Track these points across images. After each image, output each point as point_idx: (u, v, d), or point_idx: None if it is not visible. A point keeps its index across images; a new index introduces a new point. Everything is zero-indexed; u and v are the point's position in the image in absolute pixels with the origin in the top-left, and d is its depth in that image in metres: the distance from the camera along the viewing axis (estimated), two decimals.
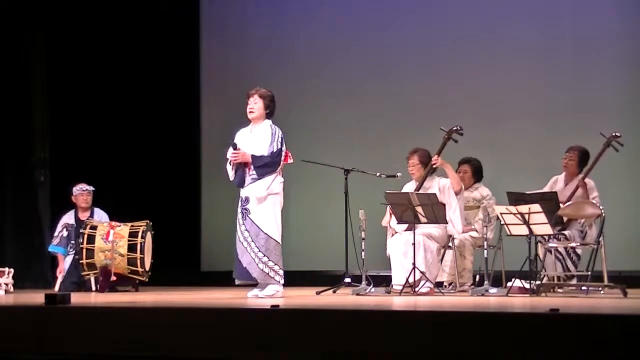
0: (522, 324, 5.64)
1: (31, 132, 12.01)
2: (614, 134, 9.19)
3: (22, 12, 11.92)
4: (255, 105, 8.72)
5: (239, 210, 8.70)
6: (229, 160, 8.72)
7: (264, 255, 8.55)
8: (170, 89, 12.31)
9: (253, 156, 8.61)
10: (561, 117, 10.66)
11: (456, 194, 9.26)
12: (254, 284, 8.69)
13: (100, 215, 10.81)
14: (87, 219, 10.57)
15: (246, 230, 8.62)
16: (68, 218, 10.79)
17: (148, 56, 12.31)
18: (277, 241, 8.60)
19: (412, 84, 11.43)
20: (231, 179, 8.78)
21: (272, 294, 8.53)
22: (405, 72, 11.46)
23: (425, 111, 11.23)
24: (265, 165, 8.60)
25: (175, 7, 12.45)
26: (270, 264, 8.56)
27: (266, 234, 8.57)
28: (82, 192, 10.74)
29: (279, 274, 8.59)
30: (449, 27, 11.31)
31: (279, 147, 8.61)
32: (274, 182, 8.64)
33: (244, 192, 8.70)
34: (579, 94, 10.73)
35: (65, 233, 10.71)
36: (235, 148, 8.68)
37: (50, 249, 10.90)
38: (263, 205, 8.61)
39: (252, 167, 8.62)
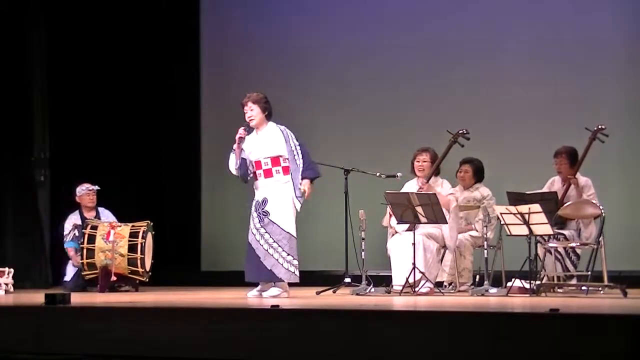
0: (522, 324, 5.64)
1: (31, 132, 12.01)
2: (598, 127, 9.21)
3: (22, 11, 11.92)
4: (252, 112, 8.72)
5: (254, 214, 8.66)
6: (233, 149, 8.71)
7: (288, 254, 8.57)
8: (171, 89, 12.31)
9: (308, 178, 8.62)
10: (562, 118, 10.66)
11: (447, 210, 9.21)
12: (256, 284, 8.71)
13: (106, 215, 10.78)
14: (88, 219, 10.51)
15: (266, 232, 8.58)
16: (75, 219, 10.71)
17: (148, 56, 12.31)
18: (296, 237, 8.64)
19: (412, 84, 11.42)
20: (233, 166, 8.74)
21: (276, 294, 8.54)
22: (406, 72, 11.46)
23: (426, 111, 11.23)
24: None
25: (175, 6, 12.45)
26: (295, 262, 8.62)
27: (288, 232, 8.59)
28: (87, 192, 10.69)
29: (298, 269, 8.65)
30: (450, 29, 11.30)
31: (296, 143, 8.64)
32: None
33: (261, 194, 8.66)
34: (579, 95, 10.74)
35: (76, 232, 10.57)
36: (247, 127, 8.68)
37: (66, 246, 10.67)
38: (286, 204, 8.61)
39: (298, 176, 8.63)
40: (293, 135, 8.70)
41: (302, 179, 8.63)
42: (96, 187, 10.73)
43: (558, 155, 9.40)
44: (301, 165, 8.63)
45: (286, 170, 8.64)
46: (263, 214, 8.62)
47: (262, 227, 8.60)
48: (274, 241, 8.57)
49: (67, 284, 10.46)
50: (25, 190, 11.94)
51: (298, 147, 8.65)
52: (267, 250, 8.57)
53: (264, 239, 8.60)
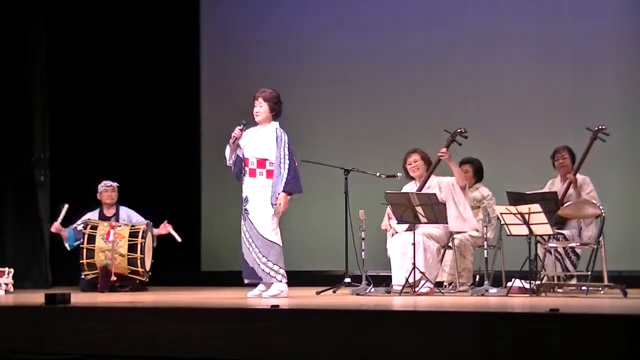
0: (522, 324, 5.64)
1: (31, 132, 12.01)
2: (599, 127, 9.21)
3: (22, 11, 11.92)
4: (261, 108, 8.70)
5: (242, 210, 8.71)
6: (230, 142, 8.70)
7: (263, 256, 8.56)
8: (171, 89, 12.31)
9: (287, 192, 8.54)
10: (561, 118, 10.67)
11: (461, 189, 9.24)
12: (256, 284, 8.71)
13: (129, 214, 10.71)
14: (89, 220, 10.47)
15: (247, 230, 8.63)
16: (92, 214, 10.64)
17: (148, 56, 12.31)
18: (274, 242, 8.58)
19: (412, 84, 11.42)
20: (228, 160, 8.75)
21: (276, 294, 8.54)
22: (405, 72, 11.46)
23: (426, 111, 11.24)
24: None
25: (175, 6, 12.45)
26: (270, 264, 8.55)
27: (262, 235, 8.57)
28: (106, 188, 10.66)
29: (279, 273, 8.58)
30: (450, 29, 11.30)
31: (287, 152, 8.56)
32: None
33: (245, 191, 8.69)
34: (578, 95, 10.75)
35: (81, 227, 10.45)
36: (242, 126, 8.65)
37: (64, 231, 10.46)
38: (262, 206, 8.60)
39: (279, 185, 8.56)
40: (288, 142, 8.61)
41: (282, 190, 8.55)
42: (115, 184, 10.70)
43: (558, 152, 9.38)
44: (285, 174, 8.55)
45: (270, 174, 8.60)
46: (245, 212, 8.65)
47: (244, 224, 8.65)
48: (252, 240, 8.58)
49: (81, 282, 10.35)
50: (25, 190, 11.95)
51: (287, 156, 8.58)
52: (248, 249, 8.63)
53: (245, 236, 8.64)
